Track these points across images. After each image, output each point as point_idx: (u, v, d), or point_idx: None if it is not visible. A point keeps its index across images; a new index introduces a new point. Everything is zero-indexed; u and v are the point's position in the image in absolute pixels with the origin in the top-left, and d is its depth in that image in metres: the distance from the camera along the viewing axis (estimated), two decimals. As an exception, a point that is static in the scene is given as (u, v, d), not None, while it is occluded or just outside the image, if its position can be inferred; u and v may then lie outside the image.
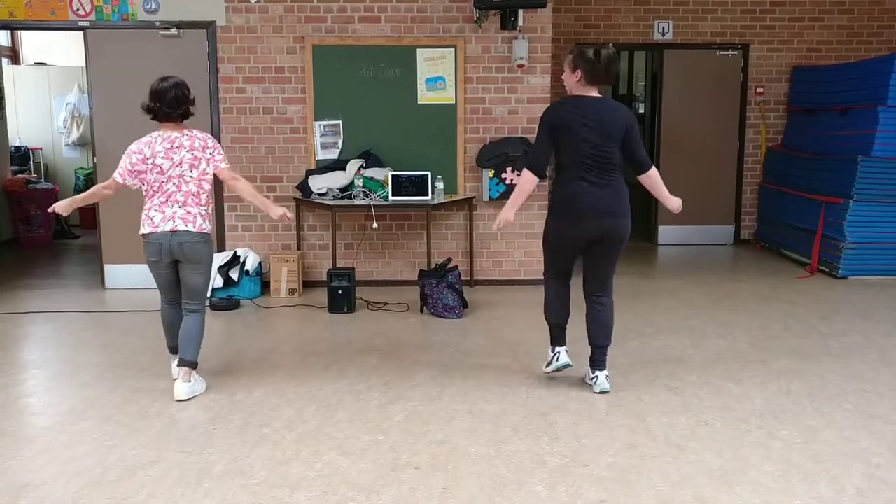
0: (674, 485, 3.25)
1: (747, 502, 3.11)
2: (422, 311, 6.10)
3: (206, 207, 4.27)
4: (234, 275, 6.50)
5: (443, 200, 6.62)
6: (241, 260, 6.58)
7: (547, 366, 4.51)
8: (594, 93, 4.17)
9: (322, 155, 6.89)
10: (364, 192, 6.54)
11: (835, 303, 6.44)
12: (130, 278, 6.94)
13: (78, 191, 10.40)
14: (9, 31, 10.68)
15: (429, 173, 6.52)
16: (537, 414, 4.03)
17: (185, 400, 4.20)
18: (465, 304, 6.04)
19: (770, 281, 7.23)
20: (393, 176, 6.51)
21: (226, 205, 6.92)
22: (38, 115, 10.67)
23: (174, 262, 4.29)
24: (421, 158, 6.82)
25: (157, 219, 4.20)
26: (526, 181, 4.19)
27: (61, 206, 4.31)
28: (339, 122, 6.87)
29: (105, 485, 3.27)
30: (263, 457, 3.54)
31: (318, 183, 6.66)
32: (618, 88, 15.63)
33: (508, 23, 6.64)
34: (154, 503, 3.12)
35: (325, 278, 6.32)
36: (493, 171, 6.86)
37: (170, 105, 4.16)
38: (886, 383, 4.45)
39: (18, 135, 10.52)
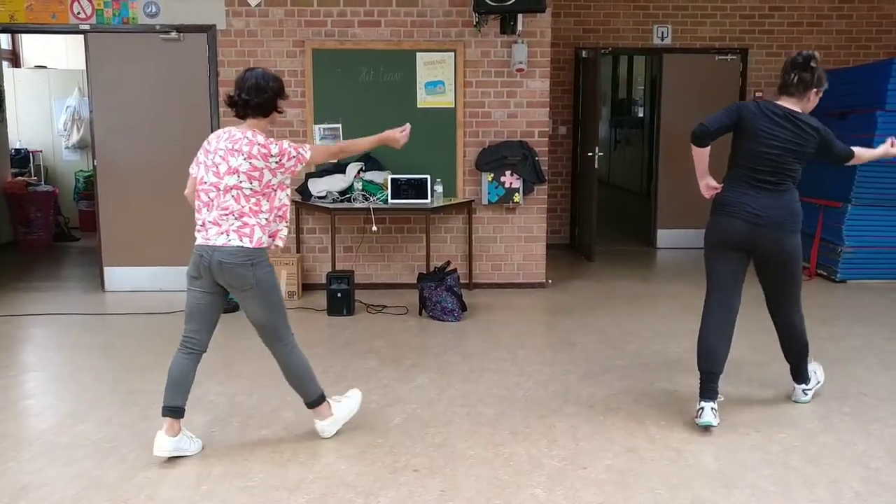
0: (672, 488, 3.26)
1: (745, 505, 3.12)
2: (420, 314, 6.11)
3: (267, 216, 3.50)
4: (234, 278, 6.50)
5: (442, 204, 6.63)
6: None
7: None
8: (788, 104, 3.83)
9: (322, 158, 6.89)
10: (363, 195, 6.55)
11: (833, 307, 6.44)
12: (130, 281, 6.96)
13: (77, 193, 10.42)
14: (9, 35, 10.69)
15: (428, 177, 6.53)
16: (536, 417, 4.04)
17: (331, 436, 3.76)
18: (463, 308, 6.04)
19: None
20: (392, 179, 6.52)
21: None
22: (39, 117, 10.68)
23: (218, 290, 3.56)
24: (420, 162, 6.82)
25: (212, 231, 3.47)
26: (694, 152, 3.97)
27: None
28: (339, 125, 6.88)
29: (104, 487, 3.28)
30: (262, 459, 3.54)
31: (317, 186, 6.67)
32: (617, 93, 15.72)
33: (508, 27, 6.65)
34: (153, 505, 3.13)
35: (324, 281, 6.33)
36: (492, 175, 6.87)
37: (248, 93, 3.47)
38: (885, 387, 4.46)
39: (19, 137, 10.53)
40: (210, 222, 3.48)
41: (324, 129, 6.87)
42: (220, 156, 3.48)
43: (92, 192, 8.46)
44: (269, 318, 3.58)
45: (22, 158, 10.37)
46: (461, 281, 6.31)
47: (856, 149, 4.04)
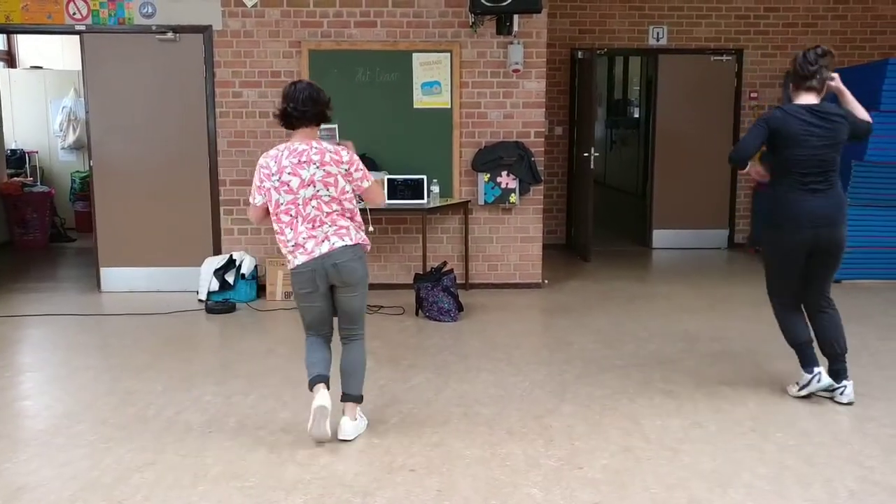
0: (668, 487, 3.27)
1: (741, 504, 3.13)
2: (417, 314, 6.11)
3: (351, 222, 3.71)
4: (230, 278, 6.51)
5: (438, 204, 6.63)
6: (237, 263, 6.59)
7: (801, 388, 4.23)
8: (811, 99, 4.02)
9: (318, 159, 6.89)
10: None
11: (828, 307, 6.45)
12: (126, 282, 6.95)
13: (73, 193, 10.41)
14: (5, 35, 10.67)
15: (424, 177, 6.54)
16: (532, 417, 4.05)
17: (350, 440, 3.75)
18: (460, 308, 6.05)
19: (764, 285, 7.24)
20: (389, 180, 6.53)
21: (222, 208, 6.94)
22: (35, 118, 10.66)
23: (329, 291, 3.73)
24: (417, 162, 6.83)
25: (310, 245, 3.61)
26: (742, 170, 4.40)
27: None
28: (335, 126, 6.88)
29: (100, 487, 3.28)
30: (259, 460, 3.55)
31: (314, 187, 6.67)
32: (613, 93, 15.75)
33: (504, 28, 6.65)
34: (150, 505, 3.13)
35: (320, 282, 6.33)
36: (488, 176, 6.88)
37: (304, 104, 3.65)
38: (879, 386, 4.48)
39: (14, 138, 10.51)
40: (305, 238, 3.61)
41: (320, 129, 6.84)
42: (289, 172, 3.59)
43: (88, 192, 8.46)
44: (362, 307, 3.82)
45: (18, 159, 10.36)
46: (457, 281, 6.31)
47: (859, 111, 4.13)
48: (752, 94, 9.09)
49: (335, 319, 3.87)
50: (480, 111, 6.93)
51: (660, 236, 9.24)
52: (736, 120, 9.11)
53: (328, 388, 3.70)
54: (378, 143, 6.89)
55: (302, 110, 3.64)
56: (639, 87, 13.70)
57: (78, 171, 10.53)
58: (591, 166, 8.17)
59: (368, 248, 3.77)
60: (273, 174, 3.62)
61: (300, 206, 3.60)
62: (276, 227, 3.68)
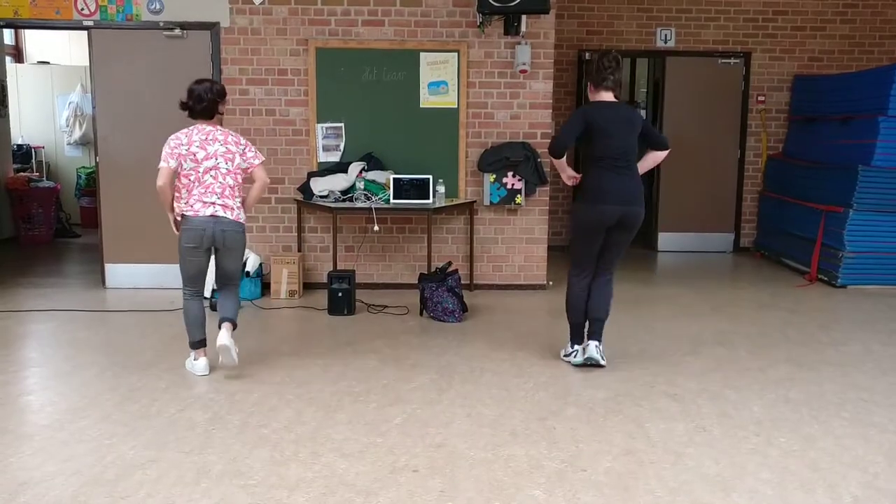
0: (671, 491, 3.26)
1: (744, 509, 3.12)
2: (421, 314, 6.11)
3: (240, 199, 4.65)
4: (235, 276, 6.51)
5: (444, 204, 6.63)
6: (243, 261, 6.58)
7: (566, 356, 5.04)
8: (609, 97, 4.66)
9: (324, 157, 6.90)
10: (365, 194, 6.56)
11: (834, 312, 6.44)
12: (131, 278, 6.97)
13: (79, 189, 10.45)
14: (13, 30, 10.70)
15: (430, 177, 6.54)
16: (536, 418, 4.04)
17: (227, 346, 4.51)
18: (464, 308, 6.05)
19: (769, 289, 7.24)
20: (394, 179, 6.52)
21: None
22: (41, 113, 10.70)
23: (209, 250, 4.59)
24: (422, 162, 6.83)
25: (197, 206, 4.50)
26: (555, 163, 4.83)
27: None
28: (342, 124, 6.89)
29: (103, 483, 3.28)
30: (262, 457, 3.55)
31: (319, 185, 6.67)
32: (619, 95, 15.71)
33: (511, 28, 6.65)
34: (152, 502, 3.13)
35: (325, 280, 6.34)
36: (494, 176, 6.87)
37: (199, 101, 4.53)
38: (883, 392, 4.47)
39: (21, 133, 10.55)
40: (196, 200, 4.49)
41: (326, 128, 6.87)
42: (197, 146, 4.50)
43: (93, 188, 8.48)
44: (238, 268, 4.79)
45: (24, 154, 10.39)
46: (462, 282, 6.31)
47: (665, 153, 4.80)
48: (760, 98, 9.07)
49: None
50: (487, 111, 6.92)
51: (665, 239, 9.23)
52: (743, 123, 9.10)
53: (205, 346, 4.72)
54: (384, 143, 6.89)
55: (199, 108, 4.54)
56: (646, 90, 13.67)
57: (84, 167, 10.55)
58: (597, 168, 8.15)
59: (245, 225, 4.67)
60: (183, 145, 4.50)
61: (199, 174, 4.49)
62: (179, 185, 4.54)
